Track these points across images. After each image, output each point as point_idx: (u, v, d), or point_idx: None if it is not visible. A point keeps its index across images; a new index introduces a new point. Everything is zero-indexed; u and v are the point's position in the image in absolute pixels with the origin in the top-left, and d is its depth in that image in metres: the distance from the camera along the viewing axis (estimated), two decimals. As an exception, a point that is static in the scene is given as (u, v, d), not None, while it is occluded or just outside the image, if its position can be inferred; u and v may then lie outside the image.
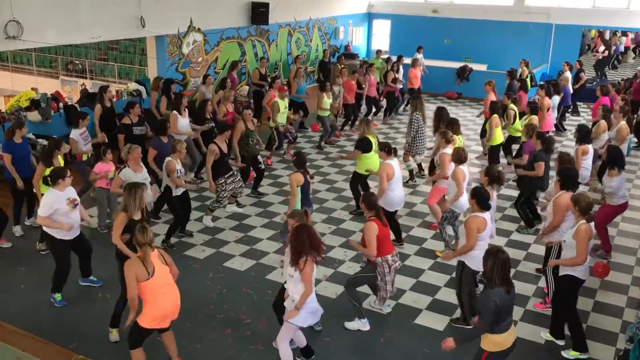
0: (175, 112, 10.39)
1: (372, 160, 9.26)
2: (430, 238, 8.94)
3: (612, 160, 8.22)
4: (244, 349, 6.18)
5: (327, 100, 12.96)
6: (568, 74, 16.00)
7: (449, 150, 8.58)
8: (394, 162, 8.22)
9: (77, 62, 20.97)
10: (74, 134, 9.34)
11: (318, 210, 9.71)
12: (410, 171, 11.25)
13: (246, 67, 16.23)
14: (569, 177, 7.01)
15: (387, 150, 8.26)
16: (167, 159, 8.22)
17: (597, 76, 21.47)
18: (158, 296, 5.29)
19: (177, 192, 8.36)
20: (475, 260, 6.22)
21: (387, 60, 16.37)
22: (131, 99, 12.85)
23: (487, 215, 6.36)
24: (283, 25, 17.62)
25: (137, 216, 6.11)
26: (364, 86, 14.91)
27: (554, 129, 14.06)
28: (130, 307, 5.28)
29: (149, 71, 14.64)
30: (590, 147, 9.55)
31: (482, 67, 18.98)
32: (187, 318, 6.61)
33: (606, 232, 8.47)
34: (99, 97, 10.83)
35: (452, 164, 8.23)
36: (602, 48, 23.93)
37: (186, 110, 10.62)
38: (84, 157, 9.47)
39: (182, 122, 10.41)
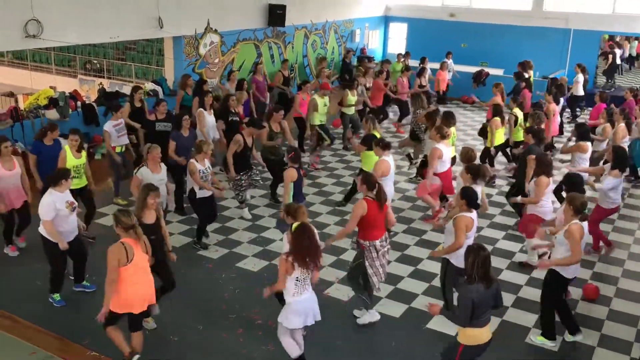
0: (201, 109, 10.42)
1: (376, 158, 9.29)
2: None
3: (618, 160, 8.20)
4: (255, 349, 6.19)
5: (352, 98, 12.84)
6: (580, 77, 15.97)
7: (442, 145, 8.72)
8: (390, 159, 8.30)
9: (95, 61, 21.17)
10: (108, 125, 9.40)
11: (324, 203, 9.76)
12: (408, 154, 11.58)
13: (262, 69, 16.25)
14: (573, 185, 6.97)
15: (382, 145, 8.32)
16: (190, 160, 8.10)
17: (607, 82, 21.27)
18: (131, 282, 5.43)
19: (203, 193, 8.16)
20: (460, 258, 6.16)
21: (406, 68, 16.08)
22: (147, 98, 12.95)
23: (474, 214, 6.43)
24: (299, 28, 17.67)
25: (149, 219, 6.06)
26: (392, 90, 14.92)
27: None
28: (107, 292, 5.41)
29: (165, 71, 14.77)
30: (589, 145, 9.52)
31: (499, 72, 18.85)
32: (200, 317, 6.68)
33: (598, 229, 8.54)
34: (130, 96, 10.82)
35: (446, 161, 8.51)
36: (617, 52, 23.62)
37: (212, 109, 10.63)
38: (118, 149, 9.51)
39: (209, 119, 10.41)
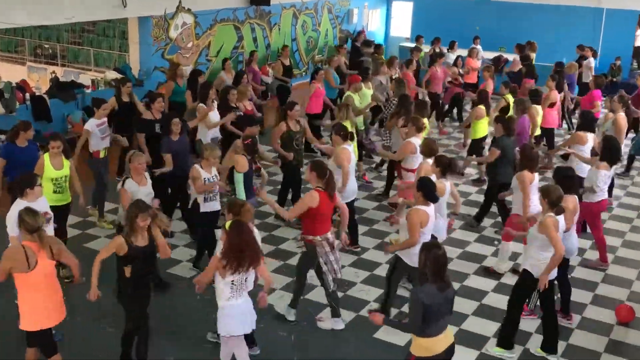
0: (201, 104, 10.43)
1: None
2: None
3: (607, 152, 8.32)
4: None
5: (367, 91, 12.24)
6: (592, 61, 16.13)
7: (415, 139, 9.02)
8: (350, 148, 8.67)
9: (46, 46, 21.11)
10: (90, 124, 9.14)
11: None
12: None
13: (243, 55, 16.29)
14: (565, 178, 7.04)
15: (342, 135, 8.62)
16: (194, 165, 7.98)
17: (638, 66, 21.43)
18: (36, 292, 5.51)
19: (207, 207, 8.03)
20: (413, 257, 6.23)
21: (438, 55, 15.63)
22: (108, 90, 12.91)
23: (430, 208, 6.63)
24: (287, 7, 17.71)
25: (141, 242, 5.87)
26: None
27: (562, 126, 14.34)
28: None
29: (130, 58, 14.75)
30: (590, 136, 9.62)
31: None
32: (173, 342, 6.83)
33: (598, 233, 8.56)
34: (117, 89, 10.60)
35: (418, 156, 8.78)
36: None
37: (214, 102, 10.62)
38: (102, 154, 9.30)
39: (211, 115, 10.40)
